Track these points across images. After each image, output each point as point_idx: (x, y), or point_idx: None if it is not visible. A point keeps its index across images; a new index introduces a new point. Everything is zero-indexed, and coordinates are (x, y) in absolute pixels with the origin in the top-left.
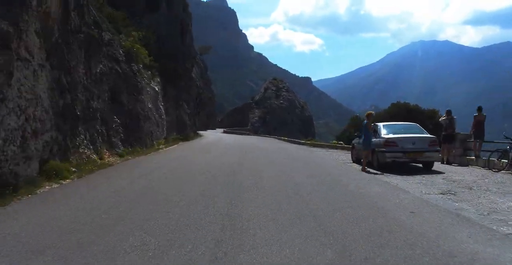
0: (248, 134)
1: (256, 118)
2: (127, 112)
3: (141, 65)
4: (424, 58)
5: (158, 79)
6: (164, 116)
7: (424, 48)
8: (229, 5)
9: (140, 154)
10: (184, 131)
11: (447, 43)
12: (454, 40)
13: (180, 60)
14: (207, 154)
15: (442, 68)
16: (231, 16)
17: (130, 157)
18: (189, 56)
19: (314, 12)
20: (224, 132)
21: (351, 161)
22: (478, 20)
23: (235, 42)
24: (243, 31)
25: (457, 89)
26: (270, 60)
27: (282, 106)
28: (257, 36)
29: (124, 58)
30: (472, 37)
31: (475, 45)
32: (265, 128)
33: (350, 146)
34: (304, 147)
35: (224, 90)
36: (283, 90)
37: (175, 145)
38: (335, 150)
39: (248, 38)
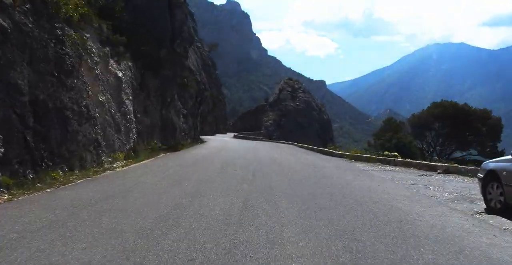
0: (261, 140)
1: (270, 121)
2: (31, 104)
3: (88, 35)
4: (439, 61)
5: (130, 63)
6: (133, 116)
7: (439, 51)
8: (243, 9)
9: (49, 185)
10: (173, 138)
11: (462, 45)
12: (470, 42)
13: (166, 41)
14: (176, 188)
15: (458, 71)
16: (245, 19)
17: None
18: (181, 38)
19: (328, 15)
20: (234, 137)
21: (486, 209)
22: (494, 21)
23: (248, 46)
24: (256, 35)
25: (473, 92)
26: (284, 63)
27: (299, 108)
28: (270, 39)
29: (27, 5)
30: (488, 39)
31: (491, 47)
32: (280, 132)
33: (480, 172)
34: (344, 161)
35: (238, 94)
36: (300, 91)
37: (148, 161)
38: (394, 168)
39: (262, 41)
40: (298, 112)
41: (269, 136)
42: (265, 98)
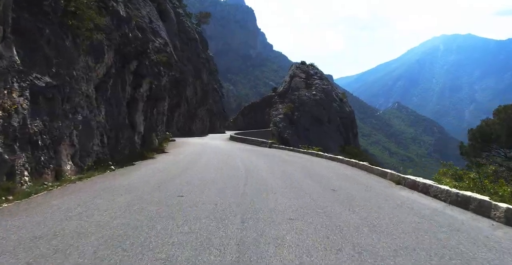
0: (270, 146)
1: (280, 116)
2: None
3: None
4: (446, 53)
5: None
6: None
7: (446, 42)
8: (247, 4)
9: None
10: None
11: (469, 36)
12: (477, 33)
13: None
14: None
15: (465, 62)
16: (249, 15)
17: None
18: None
19: (334, 9)
20: (231, 138)
21: None
22: (502, 11)
23: (253, 41)
24: (261, 30)
25: (482, 84)
26: (290, 58)
27: (315, 98)
28: (276, 35)
29: None
30: (496, 29)
31: (499, 37)
32: (293, 129)
33: None
34: None
35: (244, 90)
36: (316, 77)
37: None
38: None
39: (267, 37)
40: (315, 103)
41: (279, 136)
42: (273, 88)
